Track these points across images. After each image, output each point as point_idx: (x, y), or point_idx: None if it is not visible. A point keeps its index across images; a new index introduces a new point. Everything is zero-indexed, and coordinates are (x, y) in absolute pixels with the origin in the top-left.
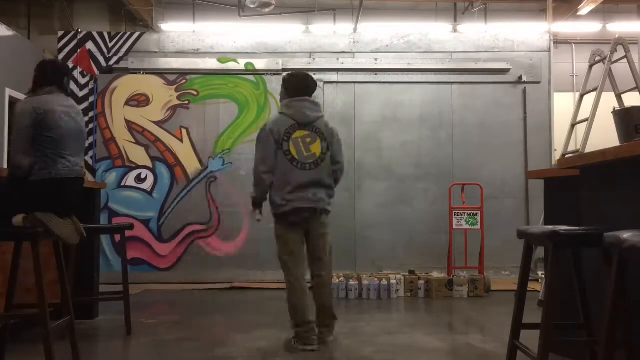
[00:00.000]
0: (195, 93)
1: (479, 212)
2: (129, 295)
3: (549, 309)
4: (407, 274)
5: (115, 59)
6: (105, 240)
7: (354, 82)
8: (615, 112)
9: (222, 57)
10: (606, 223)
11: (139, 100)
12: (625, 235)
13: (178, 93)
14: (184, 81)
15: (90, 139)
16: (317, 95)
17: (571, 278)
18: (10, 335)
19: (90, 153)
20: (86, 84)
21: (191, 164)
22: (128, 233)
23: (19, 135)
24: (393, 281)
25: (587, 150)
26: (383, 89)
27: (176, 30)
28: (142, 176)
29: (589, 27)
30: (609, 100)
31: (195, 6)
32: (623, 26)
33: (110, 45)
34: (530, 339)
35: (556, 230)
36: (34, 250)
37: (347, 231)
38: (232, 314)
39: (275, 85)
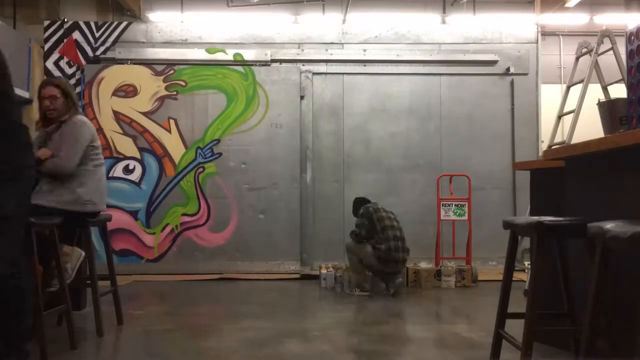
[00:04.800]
0: (184, 84)
1: (467, 203)
2: (117, 286)
3: (533, 299)
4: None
5: (102, 49)
6: (93, 231)
7: (343, 73)
8: (600, 104)
9: (211, 47)
10: (591, 213)
11: (127, 91)
12: (609, 225)
13: (166, 84)
14: (172, 72)
15: None
16: (306, 86)
17: (556, 268)
18: None
19: None
20: (73, 74)
21: (179, 155)
22: (117, 224)
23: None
24: None
25: (573, 142)
26: (372, 80)
27: (164, 20)
28: (130, 167)
29: (576, 19)
30: (595, 92)
31: None
32: (610, 18)
33: (97, 35)
34: (516, 328)
35: (541, 220)
36: (28, 238)
37: (335, 222)
38: (221, 305)
39: (264, 76)
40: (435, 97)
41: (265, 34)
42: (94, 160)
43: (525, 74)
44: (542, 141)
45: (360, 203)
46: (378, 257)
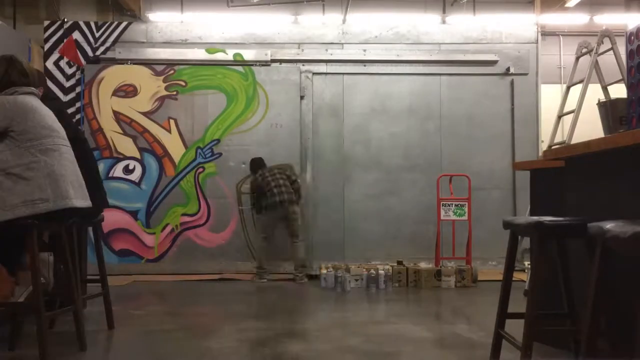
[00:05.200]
0: (184, 84)
1: (467, 203)
2: (108, 288)
3: (533, 299)
4: (395, 264)
5: (102, 49)
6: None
7: (343, 73)
8: (600, 104)
9: (211, 47)
10: (590, 213)
11: (127, 91)
12: (608, 225)
13: (166, 84)
14: (172, 72)
15: None
16: (306, 86)
17: (556, 268)
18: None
19: None
20: (73, 74)
21: (179, 155)
22: (117, 224)
23: None
24: (381, 272)
25: (573, 142)
26: (372, 80)
27: (164, 20)
28: (130, 167)
29: (576, 19)
30: (595, 92)
31: None
32: (610, 18)
33: (97, 35)
34: (516, 328)
35: (541, 220)
36: (30, 241)
37: (335, 222)
38: (220, 305)
39: (263, 76)
40: (435, 97)
41: (265, 34)
42: (35, 146)
43: (525, 74)
44: (542, 141)
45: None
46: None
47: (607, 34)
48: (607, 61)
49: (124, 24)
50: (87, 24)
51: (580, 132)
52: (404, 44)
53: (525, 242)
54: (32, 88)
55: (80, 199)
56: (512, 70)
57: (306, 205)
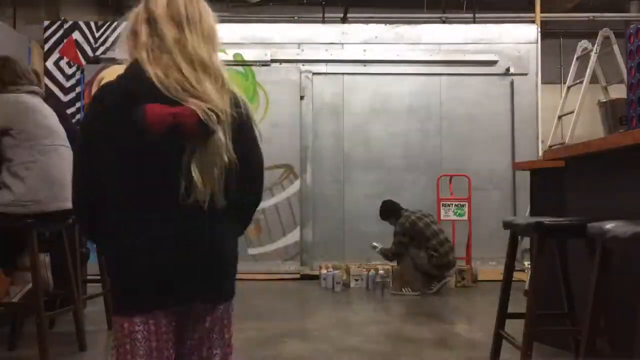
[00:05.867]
0: None
1: (467, 203)
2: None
3: (533, 299)
4: (395, 264)
5: (102, 49)
6: None
7: (343, 74)
8: (600, 104)
9: None
10: (590, 213)
11: None
12: (609, 225)
13: None
14: None
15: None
16: (306, 86)
17: (556, 268)
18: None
19: None
20: (73, 75)
21: None
22: None
23: None
24: (381, 272)
25: (573, 142)
26: (372, 80)
27: None
28: None
29: (576, 19)
30: (595, 92)
31: None
32: (610, 18)
33: (97, 35)
34: (516, 328)
35: (541, 221)
36: (30, 240)
37: (335, 222)
38: None
39: (263, 76)
40: (435, 97)
41: (265, 34)
42: (34, 147)
43: (525, 74)
44: (542, 141)
45: (392, 209)
46: (435, 264)
47: (607, 34)
48: (607, 61)
49: (124, 24)
50: (87, 24)
51: (580, 132)
52: (404, 44)
53: (525, 242)
54: (35, 87)
55: None
56: (512, 71)
57: (307, 205)
